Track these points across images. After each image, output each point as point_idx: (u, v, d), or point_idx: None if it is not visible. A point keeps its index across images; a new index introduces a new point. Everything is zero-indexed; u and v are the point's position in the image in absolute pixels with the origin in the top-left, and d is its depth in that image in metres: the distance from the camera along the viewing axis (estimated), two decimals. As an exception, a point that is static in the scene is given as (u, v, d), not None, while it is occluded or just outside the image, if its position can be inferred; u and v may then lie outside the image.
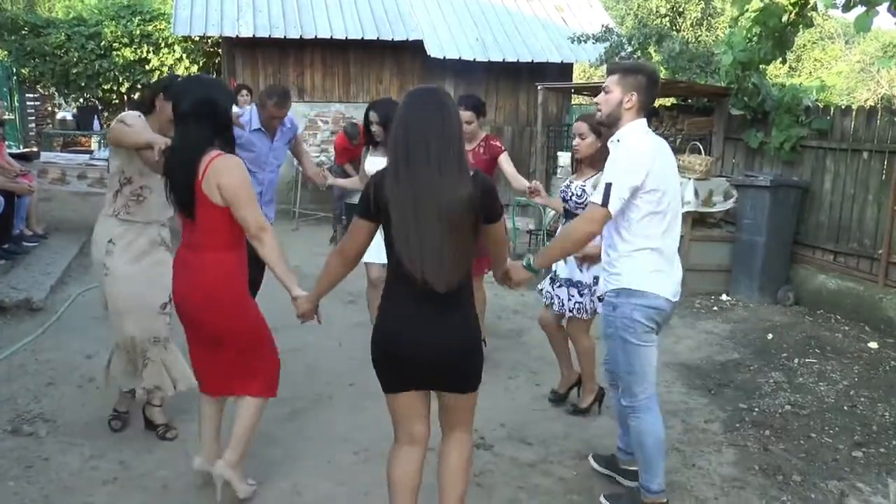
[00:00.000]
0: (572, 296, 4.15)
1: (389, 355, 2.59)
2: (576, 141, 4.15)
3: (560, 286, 4.23)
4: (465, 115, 4.85)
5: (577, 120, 4.22)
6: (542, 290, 4.43)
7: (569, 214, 4.16)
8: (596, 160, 4.01)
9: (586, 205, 3.32)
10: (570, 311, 4.17)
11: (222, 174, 2.91)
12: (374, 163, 4.93)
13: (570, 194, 4.16)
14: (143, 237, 3.62)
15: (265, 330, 3.24)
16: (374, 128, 4.84)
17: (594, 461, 3.66)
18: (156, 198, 3.56)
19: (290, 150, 4.93)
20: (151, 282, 3.60)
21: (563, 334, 4.38)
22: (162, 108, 3.53)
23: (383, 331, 2.61)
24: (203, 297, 3.02)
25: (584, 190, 4.04)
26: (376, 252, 4.56)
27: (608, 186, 2.91)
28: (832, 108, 7.22)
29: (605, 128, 3.35)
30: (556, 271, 4.25)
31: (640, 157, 2.97)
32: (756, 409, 4.49)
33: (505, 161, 4.96)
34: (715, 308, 6.86)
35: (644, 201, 2.99)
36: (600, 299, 3.46)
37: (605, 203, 2.90)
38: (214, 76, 13.47)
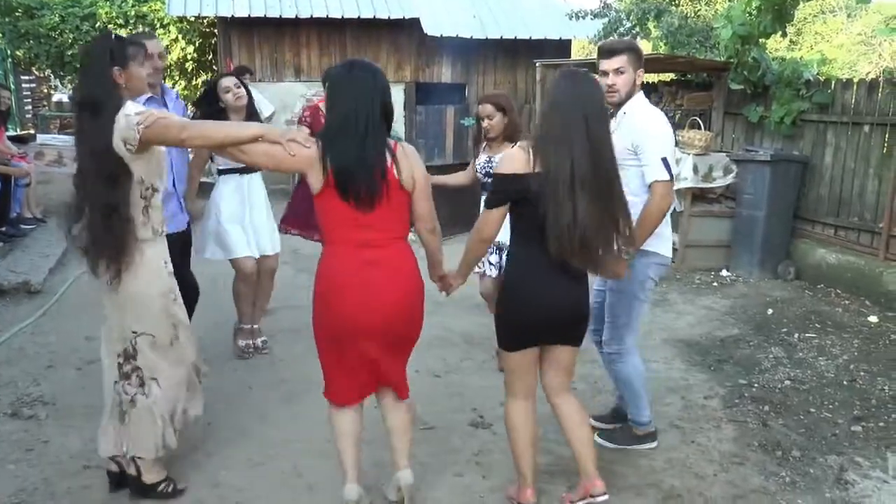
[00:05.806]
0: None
1: (534, 315, 2.79)
2: (485, 123, 4.30)
3: (492, 253, 4.35)
4: None
5: (480, 102, 4.41)
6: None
7: (485, 187, 4.34)
8: (507, 134, 4.29)
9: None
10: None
11: (415, 163, 2.71)
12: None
13: (481, 167, 4.43)
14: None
15: None
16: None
17: (596, 421, 3.73)
18: None
19: None
20: None
21: None
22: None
23: (526, 294, 2.78)
24: (404, 294, 2.74)
25: (490, 160, 4.32)
26: (246, 245, 4.61)
27: (665, 161, 3.15)
28: (833, 82, 7.15)
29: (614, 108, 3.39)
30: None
31: (668, 128, 3.27)
32: (756, 385, 4.49)
33: None
34: (715, 283, 6.84)
35: None
36: None
37: (672, 177, 3.18)
38: (210, 56, 13.41)
